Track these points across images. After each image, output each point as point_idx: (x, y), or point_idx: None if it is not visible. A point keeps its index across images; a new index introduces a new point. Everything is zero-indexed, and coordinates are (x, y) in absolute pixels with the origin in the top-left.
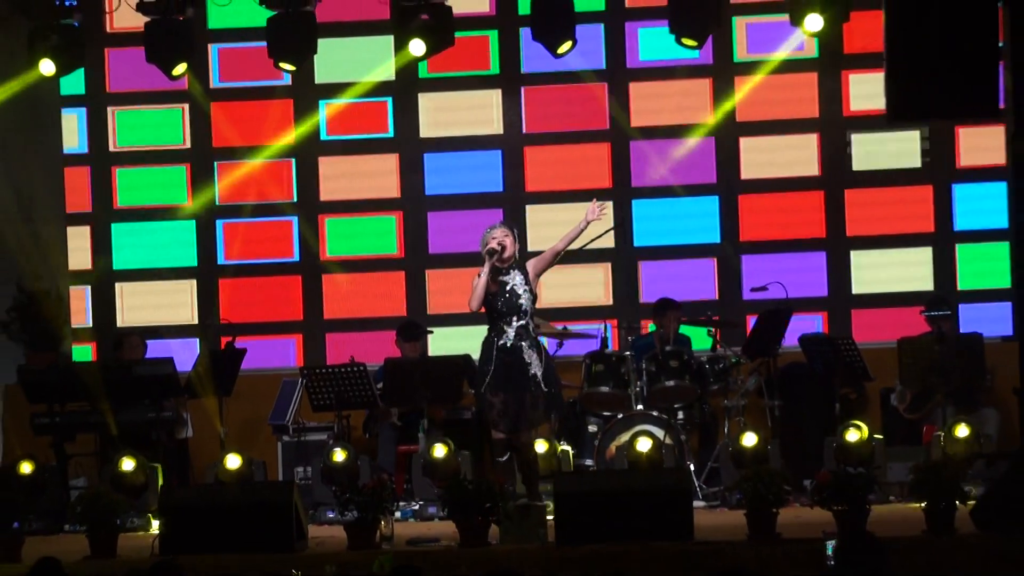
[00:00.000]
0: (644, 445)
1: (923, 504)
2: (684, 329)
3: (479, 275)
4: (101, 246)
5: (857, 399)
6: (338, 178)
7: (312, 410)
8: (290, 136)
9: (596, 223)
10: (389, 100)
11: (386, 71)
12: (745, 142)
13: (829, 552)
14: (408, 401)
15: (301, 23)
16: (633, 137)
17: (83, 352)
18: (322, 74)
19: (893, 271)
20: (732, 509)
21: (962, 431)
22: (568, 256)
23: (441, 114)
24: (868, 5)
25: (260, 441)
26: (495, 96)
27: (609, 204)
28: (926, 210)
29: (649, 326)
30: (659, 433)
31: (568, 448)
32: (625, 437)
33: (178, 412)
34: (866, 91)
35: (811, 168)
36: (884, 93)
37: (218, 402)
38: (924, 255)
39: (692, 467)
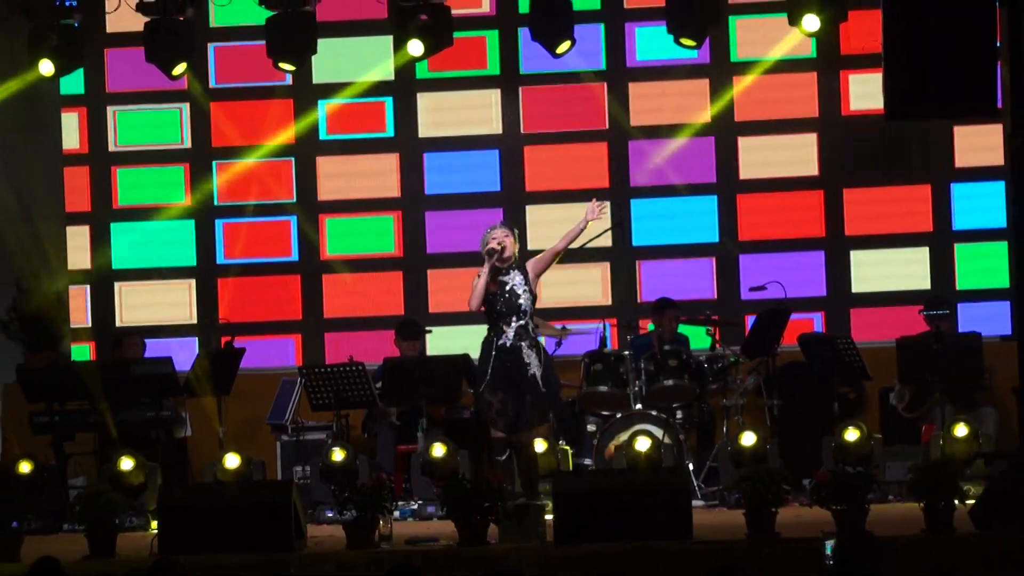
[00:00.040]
0: (643, 444)
1: (922, 503)
2: (683, 328)
3: (479, 275)
4: (100, 246)
5: (856, 398)
6: (337, 178)
7: (311, 409)
8: (289, 136)
9: (595, 222)
10: (388, 100)
11: (385, 71)
12: (744, 141)
13: (828, 551)
14: (407, 400)
15: (300, 23)
16: (632, 136)
17: (82, 351)
18: (321, 74)
19: (892, 270)
20: (731, 508)
21: (961, 430)
22: (567, 255)
23: (440, 114)
24: (867, 4)
25: (259, 440)
26: (494, 96)
27: (607, 203)
28: (924, 209)
29: (648, 326)
30: (658, 432)
31: (565, 447)
32: (624, 436)
33: (177, 411)
34: (865, 90)
35: (810, 168)
36: (882, 92)
37: (217, 401)
38: (922, 255)
39: (691, 466)
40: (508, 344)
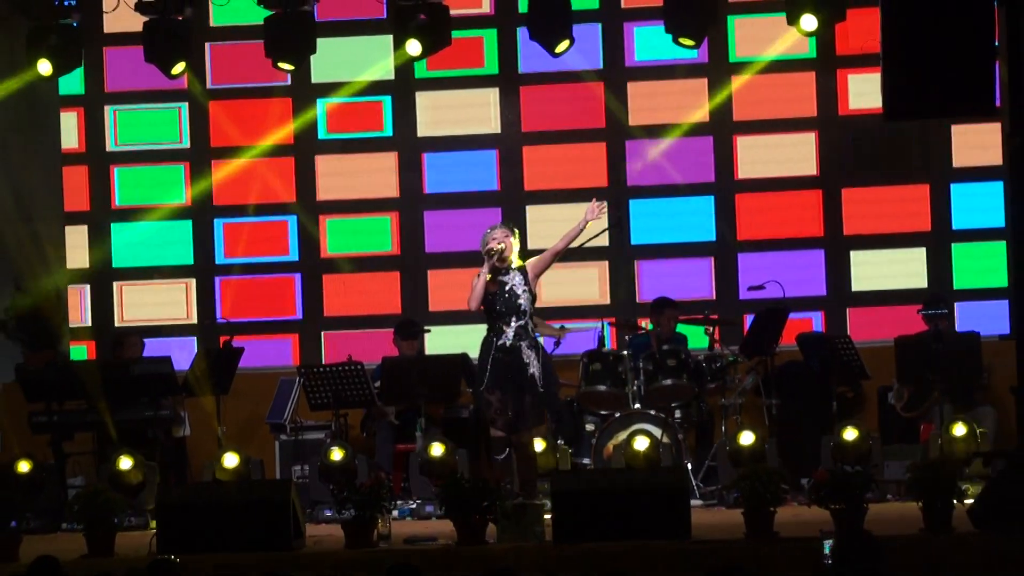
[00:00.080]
0: (641, 444)
1: (920, 502)
2: (681, 328)
3: (478, 275)
4: (99, 245)
5: (854, 398)
6: (336, 177)
7: (310, 409)
8: (288, 135)
9: (594, 222)
10: (387, 99)
11: (384, 70)
12: (742, 141)
13: (826, 551)
14: (406, 400)
15: (299, 23)
16: (630, 136)
17: (80, 351)
18: (320, 73)
19: (890, 270)
20: (729, 508)
21: (959, 430)
22: (565, 254)
23: (439, 113)
24: (865, 3)
25: (258, 440)
26: (493, 95)
27: (606, 203)
28: (923, 209)
29: (648, 325)
30: (656, 432)
31: (563, 444)
32: (622, 436)
33: (176, 411)
34: (864, 89)
35: (809, 167)
36: (881, 91)
37: (216, 401)
38: (921, 254)
39: (689, 466)
40: (508, 344)
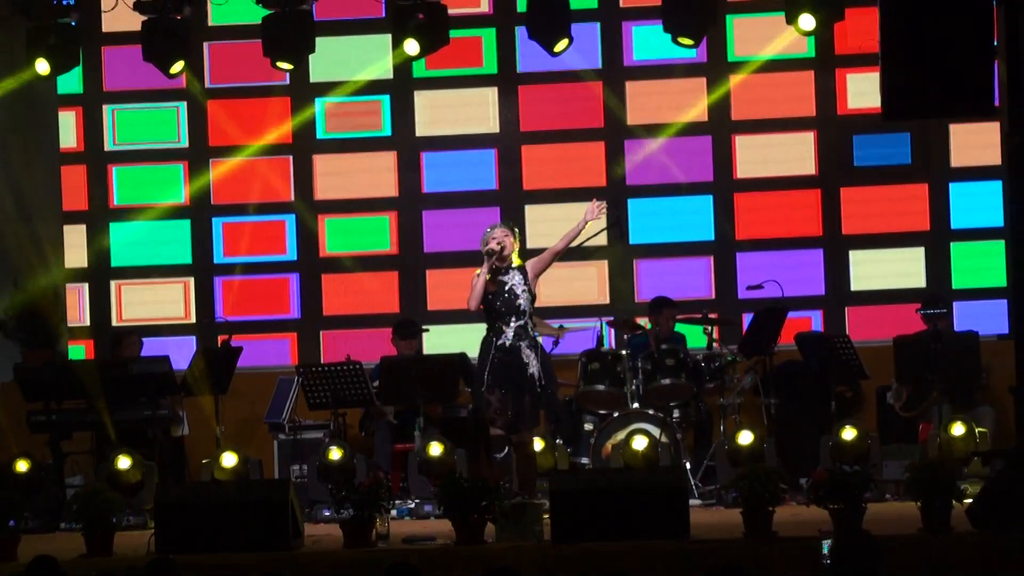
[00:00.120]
0: (640, 443)
1: (919, 502)
2: (680, 327)
3: (478, 274)
4: (97, 244)
5: (853, 397)
6: (335, 176)
7: (308, 408)
8: (287, 134)
9: (593, 221)
10: (386, 98)
11: (383, 69)
12: (740, 140)
13: (825, 551)
14: (404, 399)
15: (298, 22)
16: (629, 135)
17: (79, 351)
18: (318, 72)
19: (889, 269)
20: (728, 507)
21: (958, 429)
22: (564, 254)
23: (437, 112)
24: (864, 3)
25: (256, 439)
26: (491, 94)
27: (605, 203)
28: (922, 208)
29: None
30: (655, 431)
31: (561, 444)
32: (621, 435)
33: (174, 410)
34: (863, 89)
35: (807, 166)
36: (879, 91)
37: (214, 400)
38: (920, 253)
39: (688, 465)
40: (507, 344)
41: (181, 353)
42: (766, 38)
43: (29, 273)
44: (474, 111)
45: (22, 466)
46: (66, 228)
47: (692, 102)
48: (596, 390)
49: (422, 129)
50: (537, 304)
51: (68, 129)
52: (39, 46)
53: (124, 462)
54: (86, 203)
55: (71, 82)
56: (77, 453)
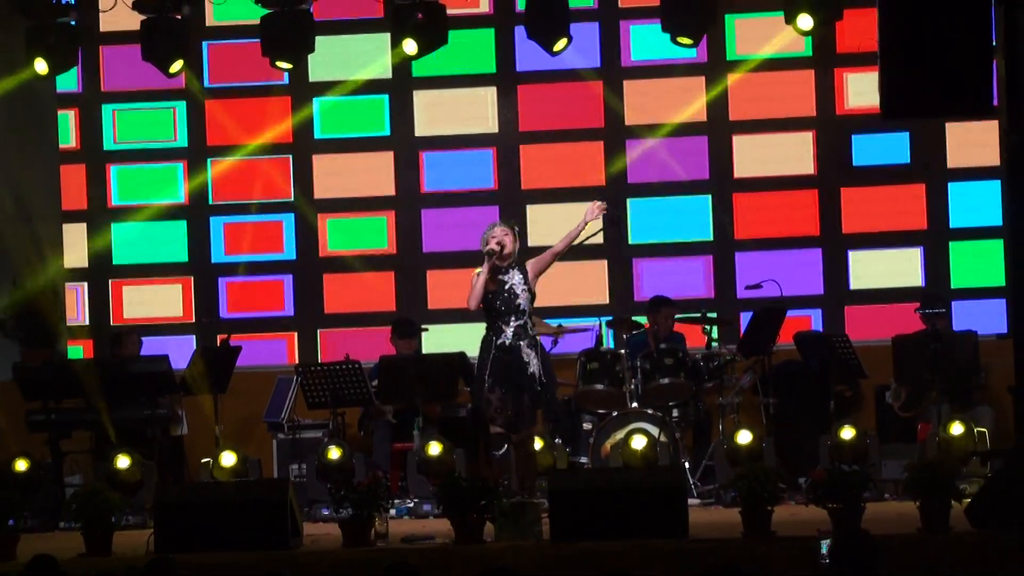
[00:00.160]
0: (639, 443)
1: (918, 502)
2: (678, 327)
3: (477, 273)
4: (97, 243)
5: (852, 397)
6: (333, 175)
7: (307, 407)
8: (286, 133)
9: (593, 221)
10: (384, 98)
11: (382, 69)
12: (739, 140)
13: (824, 550)
14: (403, 398)
15: (297, 21)
16: (628, 134)
17: (77, 351)
18: (317, 72)
19: (888, 268)
20: (727, 507)
21: (957, 429)
22: (564, 254)
23: (436, 112)
24: (863, 2)
25: (255, 439)
26: (490, 94)
27: (605, 203)
28: (920, 207)
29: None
30: (654, 431)
31: (560, 443)
32: (620, 435)
33: (173, 409)
34: (862, 88)
35: (806, 166)
36: (878, 90)
37: (213, 399)
38: (918, 253)
39: (687, 465)
40: (507, 343)
41: (180, 352)
42: (765, 38)
43: (28, 272)
44: (473, 111)
45: (21, 465)
46: (65, 227)
47: (691, 102)
48: (595, 389)
49: (421, 129)
50: (536, 303)
51: (67, 128)
52: (39, 46)
53: (123, 461)
54: (85, 202)
55: (70, 81)
56: (76, 452)
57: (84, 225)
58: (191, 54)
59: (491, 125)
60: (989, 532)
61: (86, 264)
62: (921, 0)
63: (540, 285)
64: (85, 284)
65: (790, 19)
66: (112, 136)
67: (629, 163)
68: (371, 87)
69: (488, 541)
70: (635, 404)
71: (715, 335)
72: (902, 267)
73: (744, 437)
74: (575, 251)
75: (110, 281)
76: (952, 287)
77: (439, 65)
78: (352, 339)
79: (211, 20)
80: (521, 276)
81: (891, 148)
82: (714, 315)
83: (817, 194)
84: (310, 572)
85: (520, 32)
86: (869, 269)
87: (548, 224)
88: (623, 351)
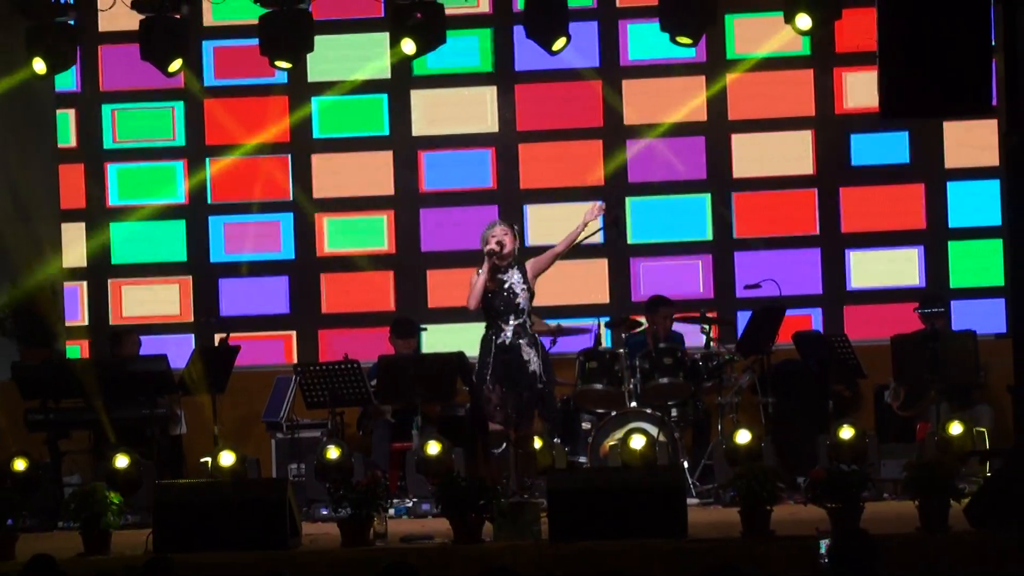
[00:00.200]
0: (638, 442)
1: (917, 501)
2: (677, 326)
3: (477, 273)
4: (95, 243)
5: (851, 396)
6: (332, 175)
7: (306, 407)
8: (284, 133)
9: (592, 221)
10: (383, 97)
11: (380, 68)
12: (738, 139)
13: (823, 550)
14: (402, 398)
15: (296, 20)
16: (627, 134)
17: (76, 351)
18: (316, 71)
19: (887, 268)
20: (726, 506)
21: (956, 428)
22: (564, 255)
23: (435, 111)
24: (862, 2)
25: (254, 438)
26: (489, 93)
27: (605, 204)
28: (919, 207)
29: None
30: (653, 430)
31: (559, 442)
32: (619, 434)
33: (172, 409)
34: (861, 88)
35: (805, 165)
36: (877, 90)
37: (212, 399)
38: (917, 252)
39: (686, 464)
40: (507, 342)
41: (179, 352)
42: (764, 37)
43: (27, 271)
44: (472, 110)
45: (20, 465)
46: (64, 227)
47: (690, 101)
48: (594, 389)
49: (420, 128)
50: (535, 302)
51: (66, 128)
52: (38, 45)
53: (122, 461)
54: (84, 202)
55: (69, 81)
56: (75, 452)
57: (83, 224)
58: (190, 53)
59: (490, 124)
60: (988, 532)
61: (85, 263)
62: (920, 0)
63: (539, 284)
64: (84, 283)
65: (789, 19)
66: (111, 135)
67: (629, 159)
68: (370, 86)
69: (487, 541)
70: (634, 404)
71: (714, 335)
72: (901, 267)
73: (743, 437)
74: (574, 251)
75: (109, 280)
76: (951, 287)
77: (439, 65)
78: (351, 339)
79: (210, 19)
80: (520, 275)
81: (890, 148)
82: (713, 315)
83: (816, 194)
84: (309, 572)
85: (519, 31)
86: (868, 269)
87: (547, 223)
88: (622, 351)
